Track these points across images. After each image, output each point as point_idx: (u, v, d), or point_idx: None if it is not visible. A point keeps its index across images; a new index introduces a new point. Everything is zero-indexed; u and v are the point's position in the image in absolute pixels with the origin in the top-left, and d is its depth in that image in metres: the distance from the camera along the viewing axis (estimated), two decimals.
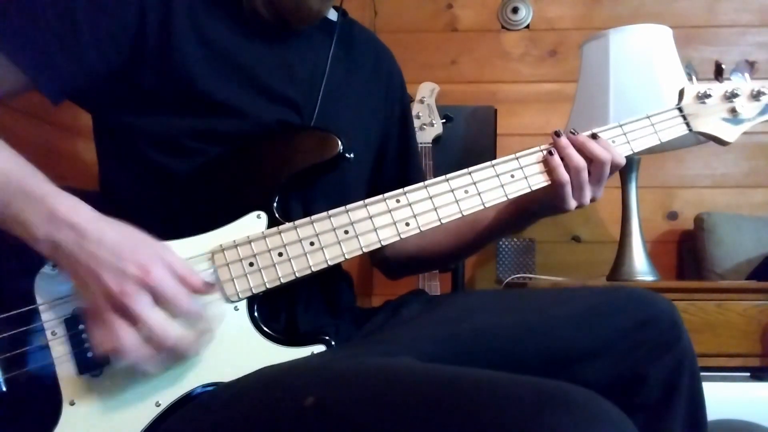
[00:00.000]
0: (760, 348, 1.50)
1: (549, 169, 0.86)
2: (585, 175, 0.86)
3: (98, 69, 0.77)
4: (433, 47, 2.35)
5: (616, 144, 0.91)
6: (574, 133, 0.88)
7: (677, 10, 2.29)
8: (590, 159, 0.86)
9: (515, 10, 2.34)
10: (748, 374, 1.52)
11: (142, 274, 0.64)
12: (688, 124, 0.96)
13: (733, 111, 0.97)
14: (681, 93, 0.98)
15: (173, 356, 0.66)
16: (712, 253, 2.02)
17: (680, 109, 0.96)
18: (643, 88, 1.66)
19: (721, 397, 1.41)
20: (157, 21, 0.78)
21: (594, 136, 0.88)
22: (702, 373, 0.82)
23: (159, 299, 0.65)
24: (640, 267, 1.68)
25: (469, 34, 2.36)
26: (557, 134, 0.88)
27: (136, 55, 0.78)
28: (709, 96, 0.96)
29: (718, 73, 0.98)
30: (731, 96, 0.97)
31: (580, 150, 0.86)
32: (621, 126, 0.92)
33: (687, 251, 2.20)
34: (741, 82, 0.98)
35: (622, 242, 1.73)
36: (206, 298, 0.72)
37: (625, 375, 0.79)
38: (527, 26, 2.35)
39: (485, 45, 2.35)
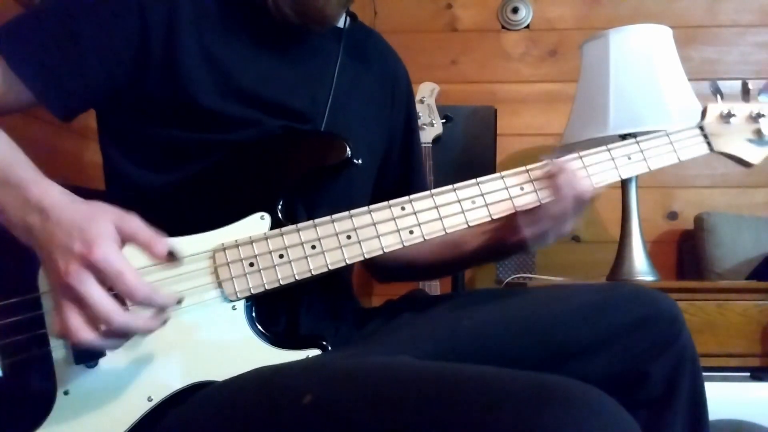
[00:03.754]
0: (760, 348, 1.50)
1: (555, 186, 0.83)
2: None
3: (103, 84, 0.78)
4: (433, 47, 2.35)
5: (632, 161, 0.88)
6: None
7: (677, 10, 2.29)
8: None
9: (515, 10, 2.34)
10: (748, 374, 1.52)
11: (85, 250, 0.61)
12: (709, 144, 0.93)
13: (758, 132, 0.94)
14: (704, 112, 0.95)
15: (124, 335, 0.64)
16: (712, 253, 2.02)
17: (702, 128, 0.94)
18: (643, 88, 1.66)
19: (721, 397, 1.41)
20: (161, 37, 0.78)
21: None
22: (702, 373, 0.82)
23: (103, 277, 0.61)
24: (640, 267, 1.68)
25: (469, 34, 2.37)
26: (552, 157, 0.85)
27: (140, 70, 0.79)
28: (733, 115, 0.94)
29: (745, 93, 0.96)
30: (757, 117, 0.94)
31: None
32: (638, 143, 0.89)
33: (687, 251, 2.20)
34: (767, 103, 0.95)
35: (622, 242, 1.73)
36: (168, 276, 0.70)
37: (626, 372, 0.79)
38: (527, 26, 2.35)
39: (485, 45, 2.35)
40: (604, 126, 1.66)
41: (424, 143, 1.86)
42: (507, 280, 2.02)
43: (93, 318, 0.61)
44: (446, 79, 2.24)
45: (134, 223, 0.65)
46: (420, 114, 1.91)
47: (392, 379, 0.60)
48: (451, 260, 0.99)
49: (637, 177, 1.73)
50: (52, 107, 0.77)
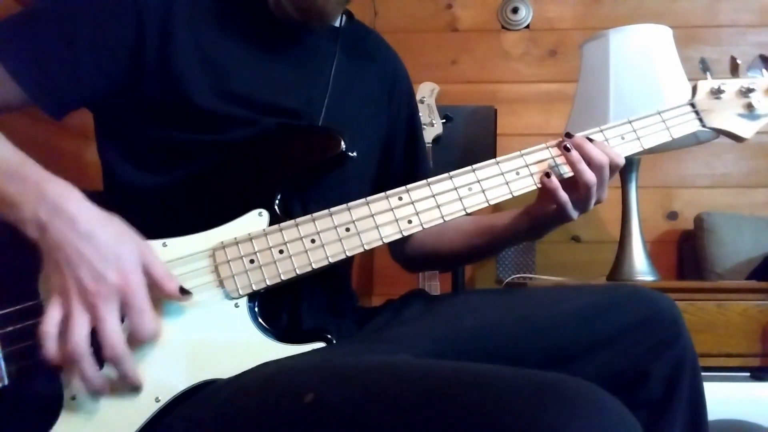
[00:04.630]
0: (760, 348, 1.50)
1: (574, 170, 0.84)
2: (607, 172, 0.85)
3: (97, 84, 0.78)
4: (433, 47, 2.35)
5: (626, 140, 0.89)
6: (570, 136, 0.86)
7: (677, 10, 2.29)
8: (589, 162, 0.85)
9: (515, 10, 2.34)
10: (748, 374, 1.52)
11: (122, 281, 0.65)
12: (701, 120, 0.94)
13: (750, 106, 0.95)
14: (694, 88, 0.96)
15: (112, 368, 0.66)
16: (712, 253, 2.02)
17: (693, 105, 0.95)
18: (643, 88, 1.66)
19: (721, 397, 1.41)
20: (156, 37, 0.79)
21: (589, 140, 0.86)
22: (702, 373, 0.82)
23: (128, 309, 0.65)
24: (640, 267, 1.68)
25: (469, 34, 2.37)
26: (569, 135, 0.87)
27: (136, 70, 0.79)
28: (723, 91, 0.94)
29: (734, 69, 0.97)
30: (747, 91, 0.95)
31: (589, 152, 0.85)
32: (630, 122, 0.91)
33: (687, 251, 2.20)
34: (757, 78, 0.96)
35: (622, 242, 1.73)
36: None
37: (627, 372, 0.79)
38: (527, 26, 2.35)
39: (485, 45, 2.35)
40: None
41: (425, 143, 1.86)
42: (507, 280, 2.02)
43: (102, 338, 0.64)
44: (446, 79, 2.24)
45: (154, 255, 0.69)
46: (420, 114, 1.91)
47: (393, 377, 0.60)
48: (485, 245, 1.00)
49: (637, 177, 1.73)
50: (45, 106, 0.77)
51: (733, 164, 2.24)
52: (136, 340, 0.67)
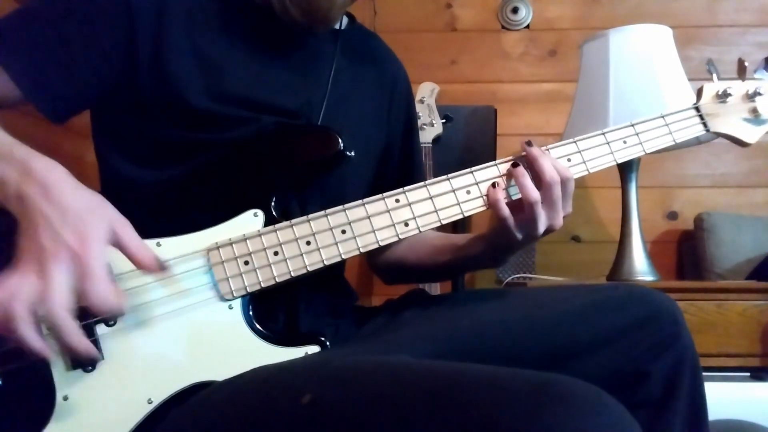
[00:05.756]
0: (760, 348, 1.50)
1: (518, 184, 0.80)
2: (558, 190, 0.79)
3: (93, 85, 0.78)
4: (433, 47, 2.35)
5: (628, 145, 0.88)
6: (530, 144, 0.82)
7: (677, 10, 2.29)
8: (538, 178, 0.79)
9: (515, 10, 2.33)
10: (748, 374, 1.52)
11: (76, 244, 0.62)
12: (705, 125, 0.92)
13: (755, 111, 0.93)
14: (699, 92, 0.94)
15: (44, 332, 0.63)
16: (712, 253, 2.02)
17: (697, 109, 0.93)
18: (643, 88, 1.66)
19: (721, 397, 1.41)
20: (150, 37, 0.78)
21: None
22: (702, 373, 0.82)
23: (80, 274, 0.62)
24: (640, 267, 1.68)
25: (468, 34, 2.36)
26: (529, 144, 0.82)
27: (130, 69, 0.78)
28: (729, 95, 0.93)
29: (741, 71, 0.95)
30: (754, 95, 0.93)
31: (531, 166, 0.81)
32: (633, 126, 0.89)
33: (687, 251, 2.20)
34: (764, 81, 0.94)
35: (622, 242, 1.73)
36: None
37: (627, 371, 0.79)
38: (527, 26, 2.35)
39: (485, 45, 2.35)
40: (604, 126, 1.63)
41: (424, 143, 1.86)
42: (507, 280, 2.02)
43: (40, 297, 0.60)
44: (446, 79, 2.24)
45: (128, 230, 0.67)
46: (420, 114, 1.91)
47: (391, 378, 0.59)
48: (449, 264, 0.97)
49: (637, 177, 1.73)
50: (44, 108, 0.77)
51: (733, 164, 2.24)
52: (93, 312, 0.63)
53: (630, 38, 1.70)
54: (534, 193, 0.79)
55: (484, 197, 0.81)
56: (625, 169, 1.74)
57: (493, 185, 0.81)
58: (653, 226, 2.23)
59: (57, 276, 0.61)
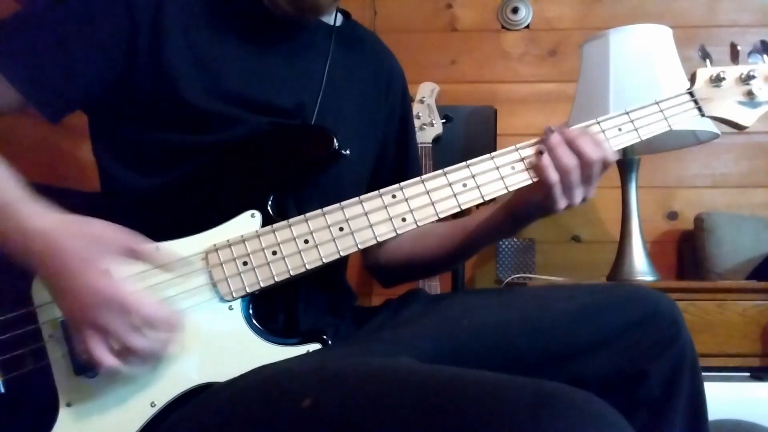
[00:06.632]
0: (760, 348, 1.50)
1: (538, 168, 0.82)
2: (575, 175, 0.81)
3: (92, 85, 0.78)
4: (433, 47, 2.35)
5: (623, 132, 0.87)
6: (552, 131, 0.83)
7: (677, 10, 2.28)
8: (580, 156, 0.82)
9: (515, 10, 2.33)
10: (748, 374, 1.52)
11: (99, 297, 0.65)
12: (700, 109, 0.92)
13: (750, 93, 0.92)
14: (693, 77, 0.94)
15: (147, 358, 0.68)
16: (712, 253, 2.02)
17: (691, 94, 0.93)
18: (643, 88, 1.66)
19: (721, 397, 1.41)
20: (148, 36, 0.78)
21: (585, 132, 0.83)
22: (702, 373, 0.82)
23: (125, 312, 0.65)
24: (640, 267, 1.68)
25: (468, 34, 2.36)
26: (550, 130, 0.84)
27: (129, 69, 0.79)
28: (723, 79, 0.92)
29: (734, 56, 0.94)
30: (747, 78, 0.92)
31: (570, 146, 0.82)
32: (628, 113, 0.89)
33: (687, 251, 2.20)
34: (758, 64, 0.93)
35: (622, 242, 1.73)
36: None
37: (627, 371, 0.79)
38: (527, 26, 2.35)
39: (485, 45, 2.35)
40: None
41: (424, 143, 1.86)
42: (507, 280, 2.02)
43: (121, 347, 0.65)
44: (446, 79, 2.24)
45: (130, 238, 0.68)
46: (420, 114, 1.91)
47: (391, 382, 0.59)
48: (461, 247, 0.98)
49: (637, 177, 1.73)
50: (42, 108, 0.77)
51: (733, 164, 2.24)
52: (157, 329, 0.67)
53: (630, 38, 1.70)
54: (571, 159, 0.80)
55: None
56: (625, 169, 1.74)
57: (539, 152, 0.82)
58: (653, 226, 2.23)
59: (113, 325, 0.64)
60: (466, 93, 2.28)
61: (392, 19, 2.34)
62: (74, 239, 0.66)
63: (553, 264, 2.19)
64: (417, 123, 1.86)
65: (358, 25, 1.04)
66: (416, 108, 1.92)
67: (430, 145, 1.88)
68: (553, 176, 0.81)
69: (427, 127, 1.90)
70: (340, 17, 0.98)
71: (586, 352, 0.79)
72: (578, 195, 0.83)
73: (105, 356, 0.65)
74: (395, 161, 1.06)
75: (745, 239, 2.00)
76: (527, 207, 0.88)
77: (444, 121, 1.93)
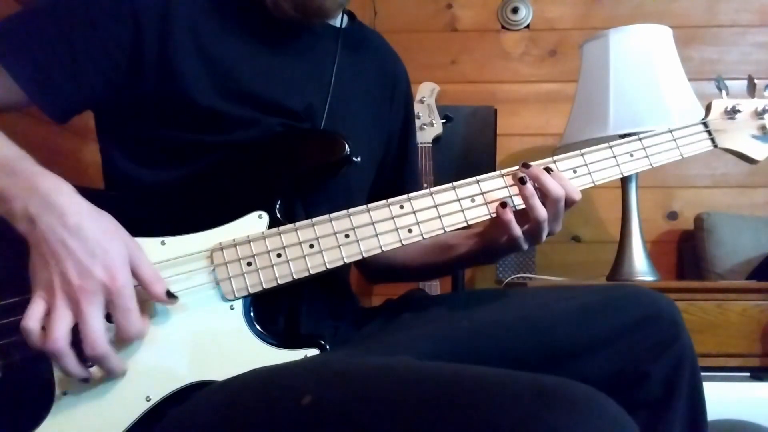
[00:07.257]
0: (760, 348, 1.50)
1: (527, 205, 0.81)
2: (562, 205, 0.81)
3: (98, 86, 0.78)
4: (433, 47, 2.35)
5: (634, 158, 0.88)
6: (527, 166, 0.82)
7: (677, 10, 2.29)
8: (544, 195, 0.81)
9: (515, 10, 2.34)
10: (748, 374, 1.52)
11: (107, 278, 0.64)
12: (713, 140, 0.93)
13: (764, 128, 0.94)
14: (708, 107, 0.95)
15: (93, 364, 0.66)
16: (712, 253, 2.02)
17: (705, 124, 0.93)
18: (643, 88, 1.66)
19: (721, 397, 1.41)
20: (155, 37, 0.78)
21: (548, 170, 0.82)
22: (702, 373, 0.82)
23: (113, 308, 0.65)
24: (640, 267, 1.68)
25: (469, 34, 2.37)
26: (525, 166, 0.82)
27: (135, 70, 0.78)
28: (738, 111, 0.93)
29: (751, 89, 0.95)
30: (763, 113, 0.93)
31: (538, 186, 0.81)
32: (641, 140, 0.89)
33: (687, 251, 2.20)
34: None
35: (622, 242, 1.73)
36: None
37: (626, 372, 0.79)
38: (527, 26, 2.35)
39: (485, 45, 2.35)
40: (604, 126, 1.66)
41: (424, 143, 1.86)
42: (507, 280, 2.02)
43: (82, 336, 0.63)
44: (446, 79, 2.24)
45: (142, 255, 0.69)
46: (420, 114, 1.91)
47: (391, 380, 0.59)
48: (441, 263, 0.98)
49: (637, 177, 1.73)
50: (46, 108, 0.77)
51: (733, 164, 2.24)
52: (121, 339, 0.67)
53: (630, 38, 1.71)
54: (542, 213, 0.80)
55: (492, 213, 0.81)
56: None
57: (503, 205, 0.81)
58: (653, 226, 2.23)
59: (92, 315, 0.63)
60: (466, 93, 2.29)
61: (392, 19, 2.34)
62: (96, 217, 0.67)
63: (553, 264, 2.19)
64: (417, 123, 1.85)
65: (364, 26, 1.04)
66: (416, 108, 1.92)
67: (430, 145, 1.88)
68: (542, 211, 0.81)
69: (427, 127, 1.90)
70: (345, 18, 0.98)
71: (586, 352, 0.80)
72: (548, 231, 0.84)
73: (59, 338, 0.62)
74: (395, 162, 1.06)
75: (745, 239, 2.00)
76: (498, 242, 0.86)
77: (444, 121, 1.93)
